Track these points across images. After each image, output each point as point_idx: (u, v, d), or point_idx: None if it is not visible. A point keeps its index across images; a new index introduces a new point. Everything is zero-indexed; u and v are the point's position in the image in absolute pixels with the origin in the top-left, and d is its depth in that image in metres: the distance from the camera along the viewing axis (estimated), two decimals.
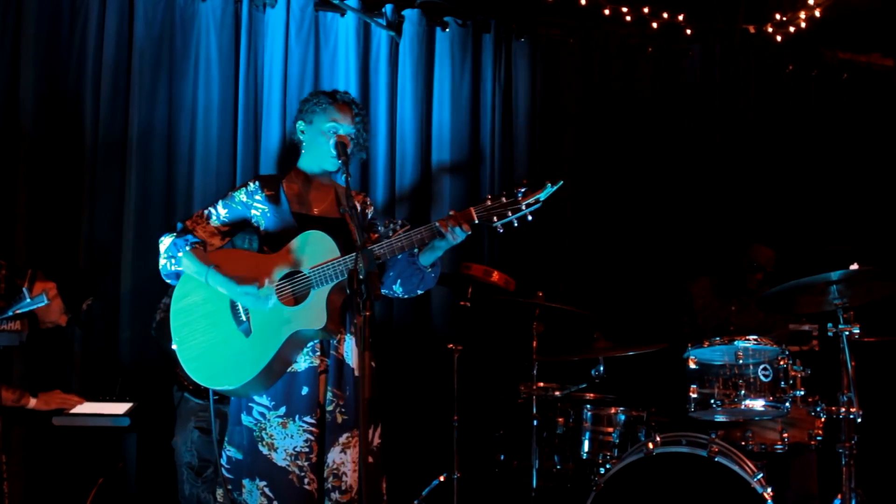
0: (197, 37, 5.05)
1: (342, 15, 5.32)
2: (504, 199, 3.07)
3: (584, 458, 4.55)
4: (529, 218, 3.08)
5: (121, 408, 4.24)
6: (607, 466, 4.29)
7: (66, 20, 4.87)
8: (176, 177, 4.98)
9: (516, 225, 3.10)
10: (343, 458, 3.19)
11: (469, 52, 5.54)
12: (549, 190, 3.08)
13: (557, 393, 4.68)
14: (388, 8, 5.38)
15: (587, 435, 4.55)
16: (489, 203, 3.09)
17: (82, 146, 4.81)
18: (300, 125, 3.48)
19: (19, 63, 4.74)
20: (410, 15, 5.42)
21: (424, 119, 5.44)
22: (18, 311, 3.62)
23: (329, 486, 3.17)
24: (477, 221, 3.10)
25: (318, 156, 3.42)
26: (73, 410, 4.18)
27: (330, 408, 3.20)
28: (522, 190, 3.07)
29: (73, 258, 4.73)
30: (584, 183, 5.71)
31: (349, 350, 3.26)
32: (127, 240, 4.81)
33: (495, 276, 4.72)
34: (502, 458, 4.87)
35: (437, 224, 3.12)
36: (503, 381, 5.21)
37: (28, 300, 3.59)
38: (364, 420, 2.78)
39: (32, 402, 4.12)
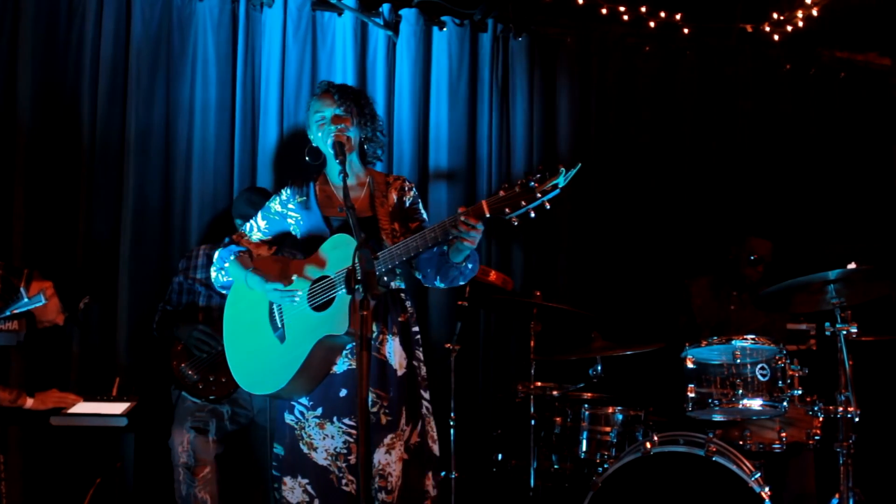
0: (194, 36, 5.05)
1: (339, 14, 5.31)
2: (517, 189, 2.91)
3: (582, 457, 4.55)
4: (547, 206, 2.92)
5: (118, 407, 4.23)
6: (605, 466, 4.29)
7: (64, 20, 4.87)
8: (173, 176, 4.98)
9: (533, 216, 2.93)
10: (388, 459, 3.19)
11: (466, 51, 5.54)
12: (565, 175, 2.89)
13: (555, 392, 4.68)
14: (386, 7, 5.37)
15: (585, 434, 4.55)
16: (502, 194, 2.93)
17: (80, 145, 4.81)
18: (308, 133, 3.49)
19: (16, 63, 4.73)
20: (408, 14, 5.41)
21: (422, 118, 5.43)
22: (16, 311, 3.62)
23: (376, 485, 3.18)
24: (489, 215, 2.95)
25: (326, 153, 3.43)
26: (71, 410, 4.17)
27: (374, 409, 3.20)
28: (537, 176, 2.90)
29: (70, 257, 4.73)
30: (581, 182, 5.69)
31: (391, 351, 3.28)
32: (125, 239, 4.81)
33: (493, 275, 4.71)
34: (500, 457, 4.87)
35: (447, 222, 3.05)
36: (501, 381, 5.21)
37: (25, 300, 3.59)
38: (364, 419, 2.75)
39: (29, 402, 4.11)
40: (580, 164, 2.94)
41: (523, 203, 2.89)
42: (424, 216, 3.51)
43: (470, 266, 3.27)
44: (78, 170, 4.79)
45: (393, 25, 5.39)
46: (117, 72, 4.90)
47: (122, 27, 4.93)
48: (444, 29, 5.50)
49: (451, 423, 4.69)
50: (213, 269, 3.46)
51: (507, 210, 2.92)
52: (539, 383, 4.65)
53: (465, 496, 4.72)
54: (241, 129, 5.07)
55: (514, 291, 4.90)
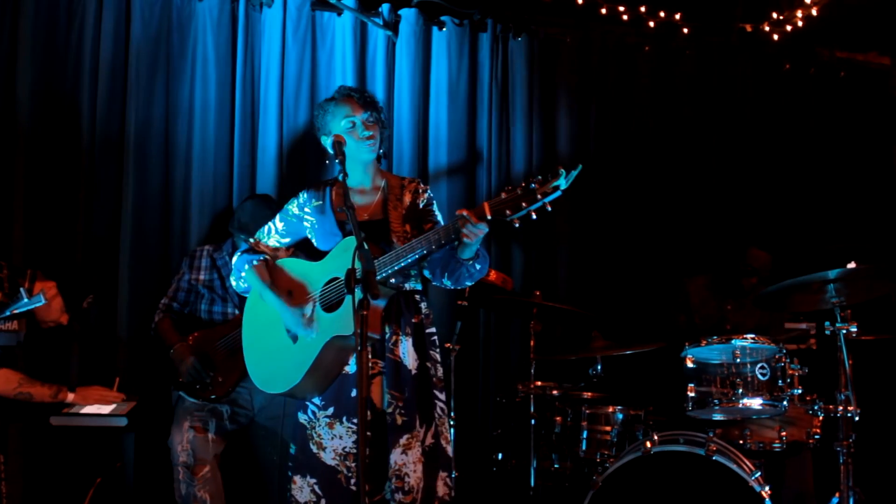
0: (194, 36, 5.05)
1: (339, 14, 5.31)
2: (519, 192, 2.97)
3: (582, 456, 4.55)
4: (549, 208, 2.98)
5: (118, 407, 4.24)
6: (605, 465, 4.29)
7: (63, 20, 4.86)
8: (173, 176, 4.98)
9: (535, 217, 2.99)
10: (405, 459, 3.20)
11: (466, 51, 5.54)
12: (566, 176, 2.95)
13: (555, 392, 4.68)
14: (385, 7, 5.37)
15: (585, 434, 4.55)
16: (503, 196, 2.99)
17: (79, 146, 4.81)
18: (323, 140, 3.50)
19: (16, 63, 4.73)
20: (407, 14, 5.41)
21: (421, 119, 5.43)
22: (16, 311, 3.62)
23: (392, 486, 3.20)
24: (490, 217, 3.01)
25: (351, 159, 3.42)
26: (73, 410, 4.17)
27: (389, 410, 3.23)
28: (538, 178, 2.96)
29: (70, 257, 4.73)
30: (581, 182, 5.67)
31: (405, 352, 3.29)
32: (124, 239, 4.81)
33: (493, 275, 4.71)
34: (500, 457, 4.87)
35: (451, 225, 3.09)
36: (501, 381, 5.21)
37: (25, 300, 3.59)
38: (363, 418, 2.77)
39: (70, 397, 4.11)
40: (581, 166, 2.98)
41: (524, 205, 2.95)
42: (439, 217, 3.51)
43: (478, 266, 3.29)
44: (78, 169, 4.79)
45: (392, 25, 5.39)
46: (117, 72, 4.90)
47: (121, 27, 4.93)
48: (444, 29, 5.50)
49: (452, 423, 4.69)
50: (231, 277, 3.57)
51: (508, 212, 2.97)
52: (539, 383, 4.66)
53: (465, 496, 4.72)
54: (240, 129, 5.07)
55: (513, 291, 4.90)
